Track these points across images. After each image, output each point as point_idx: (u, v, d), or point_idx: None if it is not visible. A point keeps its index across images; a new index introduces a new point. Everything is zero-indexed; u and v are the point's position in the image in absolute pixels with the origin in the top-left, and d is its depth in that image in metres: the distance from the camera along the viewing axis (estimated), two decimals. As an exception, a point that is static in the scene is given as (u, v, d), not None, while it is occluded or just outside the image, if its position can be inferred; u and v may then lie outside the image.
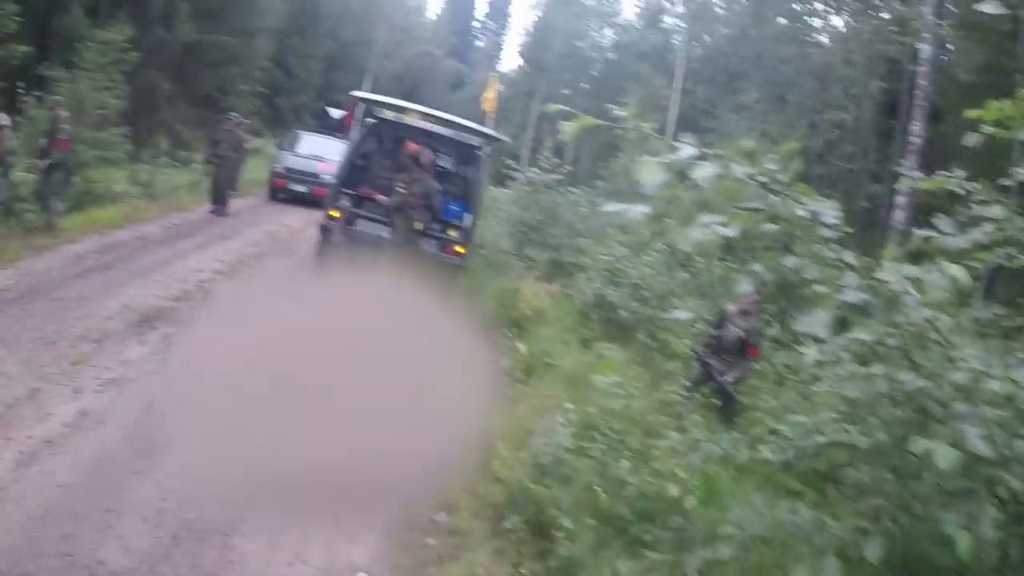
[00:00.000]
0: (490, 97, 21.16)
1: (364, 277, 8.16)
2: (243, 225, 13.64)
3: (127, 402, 5.52)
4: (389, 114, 10.52)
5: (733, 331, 8.16)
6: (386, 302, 7.58)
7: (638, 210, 2.24)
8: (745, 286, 8.19)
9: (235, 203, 14.62)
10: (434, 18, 60.75)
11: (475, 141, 10.68)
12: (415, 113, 10.15)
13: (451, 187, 10.66)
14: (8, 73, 13.29)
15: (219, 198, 13.98)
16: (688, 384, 7.57)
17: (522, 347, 8.38)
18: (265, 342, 6.14)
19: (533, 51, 42.11)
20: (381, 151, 11.12)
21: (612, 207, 2.36)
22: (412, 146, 10.04)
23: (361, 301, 7.49)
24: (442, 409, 6.46)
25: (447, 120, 10.19)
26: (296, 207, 15.99)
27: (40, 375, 5.66)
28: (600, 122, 2.40)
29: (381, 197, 9.99)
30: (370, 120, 10.75)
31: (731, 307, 8.47)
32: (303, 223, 14.25)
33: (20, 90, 11.95)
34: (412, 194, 9.48)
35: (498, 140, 11.82)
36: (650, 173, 2.11)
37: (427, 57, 50.27)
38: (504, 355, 8.60)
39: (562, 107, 2.45)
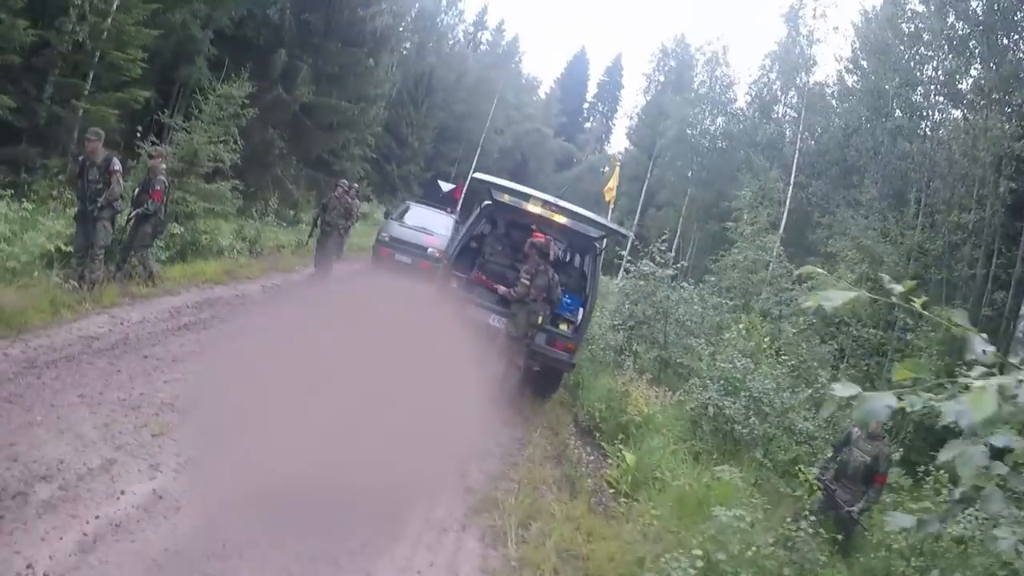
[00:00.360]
0: (612, 187, 20.44)
1: (470, 366, 7.75)
2: (343, 293, 13.38)
3: (207, 487, 5.03)
4: (507, 198, 10.06)
5: (858, 456, 7.43)
6: (490, 398, 7.06)
7: (884, 401, 1.63)
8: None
9: (338, 267, 14.43)
10: (544, 97, 61.75)
11: (595, 233, 10.09)
12: (536, 200, 9.48)
13: (566, 279, 10.07)
14: (127, 117, 13.58)
15: (322, 263, 13.82)
16: (811, 517, 6.73)
17: (629, 457, 7.69)
18: (352, 436, 5.69)
19: (642, 135, 42.04)
20: (495, 235, 10.68)
21: (844, 390, 1.75)
22: (539, 235, 9.50)
23: (460, 392, 6.99)
24: (538, 528, 5.85)
25: (569, 210, 9.51)
26: (399, 276, 15.70)
27: (118, 444, 5.26)
28: (873, 297, 1.84)
29: (501, 287, 9.42)
30: (487, 202, 10.27)
31: (856, 430, 7.72)
32: (407, 295, 13.82)
33: (138, 135, 12.11)
34: (536, 287, 8.91)
35: (621, 235, 11.17)
36: (982, 406, 1.50)
37: (536, 135, 50.98)
38: (609, 464, 7.97)
39: (817, 270, 1.85)
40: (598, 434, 9.14)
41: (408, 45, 42.44)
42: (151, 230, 9.83)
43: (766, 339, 11.08)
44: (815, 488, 6.81)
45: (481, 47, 56.23)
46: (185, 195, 12.12)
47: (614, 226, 10.77)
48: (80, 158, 9.19)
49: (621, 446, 8.16)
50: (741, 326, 11.03)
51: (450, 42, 52.10)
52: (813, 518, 6.22)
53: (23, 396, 5.62)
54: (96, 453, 5.03)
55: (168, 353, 7.50)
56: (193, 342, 8.10)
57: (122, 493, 4.67)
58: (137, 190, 9.57)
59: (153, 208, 9.62)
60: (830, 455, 7.72)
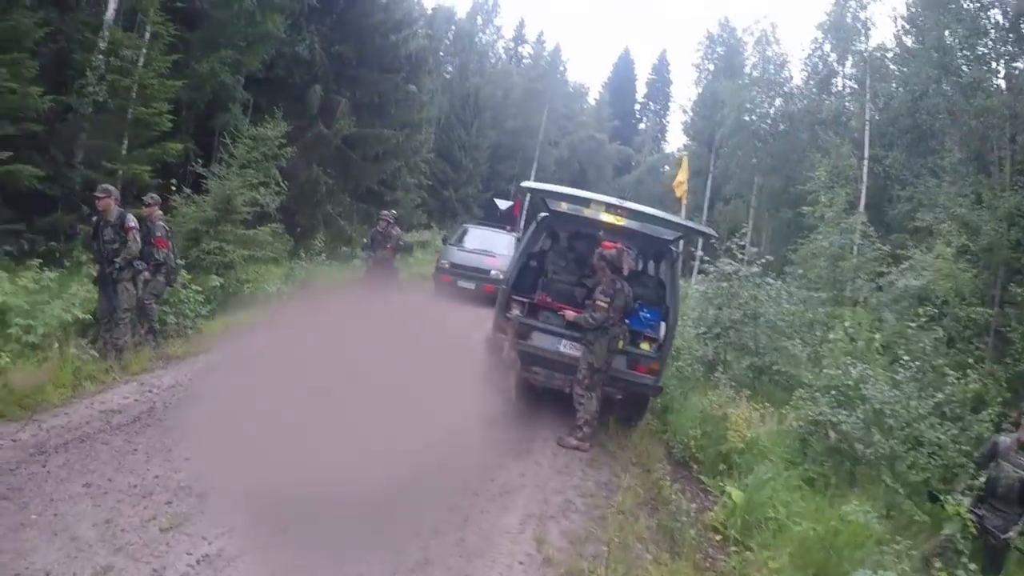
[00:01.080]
0: (682, 181, 18.96)
1: (540, 409, 6.71)
2: (404, 329, 12.40)
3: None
4: (565, 206, 8.92)
5: (1010, 472, 6.12)
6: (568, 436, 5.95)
7: None
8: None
9: (397, 300, 13.53)
10: (594, 103, 60.77)
11: (670, 235, 8.83)
12: (598, 204, 8.19)
13: (642, 290, 8.83)
14: (164, 171, 13.17)
15: (377, 297, 12.99)
16: (971, 565, 5.41)
17: (735, 493, 6.51)
18: (407, 508, 4.73)
19: (699, 129, 40.66)
20: (556, 250, 9.53)
21: None
22: (609, 245, 8.20)
23: (533, 434, 5.94)
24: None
25: (638, 212, 8.13)
26: (463, 304, 14.70)
27: (118, 545, 4.38)
28: None
29: (569, 312, 8.21)
30: (543, 214, 9.22)
31: (1004, 439, 6.42)
32: (471, 326, 12.67)
33: (173, 188, 11.59)
34: (615, 308, 7.70)
35: (702, 233, 9.85)
36: None
37: (591, 142, 50.11)
38: (712, 503, 6.82)
39: None
40: (696, 466, 7.94)
41: (450, 68, 42.17)
42: (164, 278, 9.37)
43: (876, 336, 9.61)
44: (968, 522, 5.53)
45: (524, 61, 55.59)
46: (221, 244, 11.49)
47: (693, 224, 9.49)
48: (93, 218, 8.58)
49: (724, 480, 7.02)
50: (847, 323, 9.63)
51: (492, 60, 51.75)
52: (974, 567, 4.97)
53: (22, 490, 4.86)
54: (89, 560, 4.16)
55: (195, 421, 6.60)
56: (227, 404, 7.17)
57: (115, 612, 3.78)
58: (141, 244, 8.90)
59: (162, 256, 9.17)
60: (983, 480, 6.36)
